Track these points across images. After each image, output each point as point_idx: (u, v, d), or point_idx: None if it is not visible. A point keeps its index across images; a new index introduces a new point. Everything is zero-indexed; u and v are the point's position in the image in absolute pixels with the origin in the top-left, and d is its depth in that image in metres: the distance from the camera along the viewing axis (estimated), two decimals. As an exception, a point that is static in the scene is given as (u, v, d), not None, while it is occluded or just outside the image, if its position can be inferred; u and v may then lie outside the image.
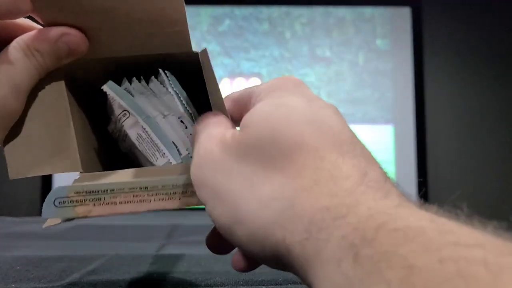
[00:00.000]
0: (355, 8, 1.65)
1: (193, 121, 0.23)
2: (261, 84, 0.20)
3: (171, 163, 0.22)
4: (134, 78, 0.24)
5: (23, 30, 0.21)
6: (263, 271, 0.36)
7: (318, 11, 1.65)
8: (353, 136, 0.17)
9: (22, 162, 0.21)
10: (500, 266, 0.10)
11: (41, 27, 0.21)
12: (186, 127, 0.23)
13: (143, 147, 0.23)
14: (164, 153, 0.22)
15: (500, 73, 1.61)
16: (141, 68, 0.24)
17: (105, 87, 0.23)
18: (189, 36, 0.22)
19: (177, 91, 0.24)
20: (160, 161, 0.22)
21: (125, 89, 0.24)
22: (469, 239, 0.11)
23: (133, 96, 0.23)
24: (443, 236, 0.11)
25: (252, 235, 0.16)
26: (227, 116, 0.21)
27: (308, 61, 1.64)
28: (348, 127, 0.18)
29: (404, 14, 1.64)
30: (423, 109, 1.60)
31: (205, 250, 0.42)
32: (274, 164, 0.16)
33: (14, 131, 0.21)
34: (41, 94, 0.22)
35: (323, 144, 0.16)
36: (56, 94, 0.22)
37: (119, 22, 0.21)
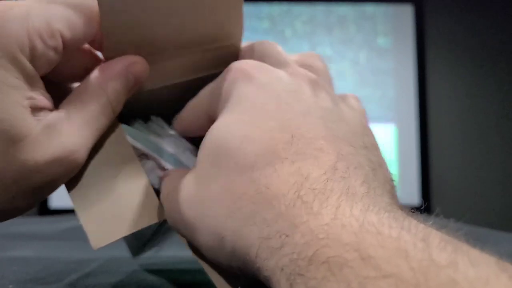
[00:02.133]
0: (356, 6, 1.64)
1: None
2: (217, 87, 0.19)
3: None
4: (137, 119, 0.22)
5: (82, 52, 0.20)
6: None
7: (319, 9, 1.65)
8: (298, 127, 0.16)
9: (102, 227, 0.18)
10: None
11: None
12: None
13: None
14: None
15: (504, 71, 1.60)
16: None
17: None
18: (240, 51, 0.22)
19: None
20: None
21: (137, 127, 0.22)
22: (389, 267, 0.11)
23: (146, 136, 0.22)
24: (365, 266, 0.11)
25: (233, 251, 0.15)
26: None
27: (309, 60, 1.63)
28: (302, 112, 0.16)
29: (406, 12, 1.63)
30: (425, 107, 1.60)
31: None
32: (225, 189, 0.16)
33: (84, 191, 0.18)
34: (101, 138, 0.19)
35: (258, 159, 0.15)
36: (115, 135, 0.20)
37: (173, 44, 0.20)
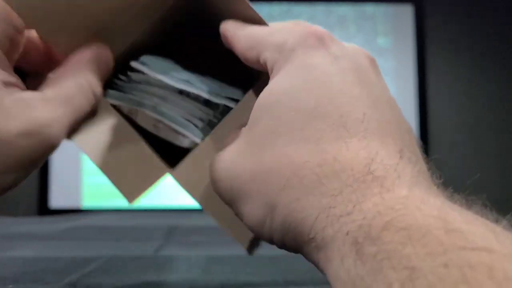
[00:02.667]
0: (356, 6, 1.64)
1: (190, 84, 0.23)
2: (271, 36, 0.18)
3: (195, 142, 0.22)
4: (115, 80, 0.23)
5: (34, 44, 0.20)
6: (263, 271, 0.36)
7: (319, 9, 1.65)
8: (369, 107, 0.16)
9: (129, 183, 0.21)
10: (506, 274, 0.10)
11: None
12: (188, 94, 0.22)
13: (164, 134, 0.22)
14: (184, 134, 0.22)
15: (504, 70, 1.60)
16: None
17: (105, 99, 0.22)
18: None
19: (161, 68, 0.23)
20: (185, 142, 0.22)
21: (119, 89, 0.23)
22: (478, 240, 0.11)
23: (125, 93, 0.23)
24: (450, 236, 0.11)
25: (282, 222, 0.15)
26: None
27: (309, 60, 1.63)
28: (370, 94, 0.16)
29: (406, 12, 1.63)
30: (425, 107, 1.60)
31: (204, 251, 0.41)
32: (286, 157, 0.16)
33: (105, 159, 0.21)
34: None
35: (328, 133, 0.15)
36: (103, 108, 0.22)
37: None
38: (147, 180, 0.21)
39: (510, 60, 1.60)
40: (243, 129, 0.18)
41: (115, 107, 0.22)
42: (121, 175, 0.21)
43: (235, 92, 0.22)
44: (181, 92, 0.22)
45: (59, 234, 0.60)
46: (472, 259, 0.10)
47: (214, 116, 0.22)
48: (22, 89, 0.18)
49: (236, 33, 0.20)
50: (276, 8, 1.64)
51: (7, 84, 0.17)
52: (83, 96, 0.19)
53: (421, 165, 0.15)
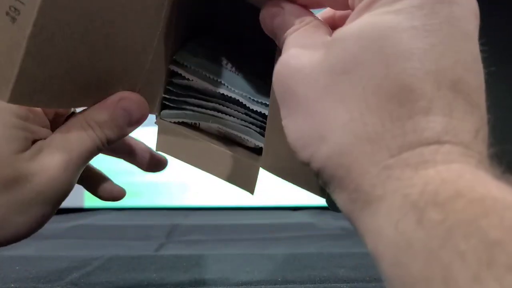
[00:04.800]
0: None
1: (228, 87, 0.23)
2: None
3: (258, 145, 0.23)
4: (163, 95, 0.23)
5: None
6: (262, 270, 0.36)
7: (317, 13, 1.64)
8: (466, 71, 0.14)
9: (242, 180, 0.23)
10: None
11: None
12: (230, 98, 0.22)
13: (229, 137, 0.23)
14: (247, 139, 0.23)
15: (500, 75, 1.60)
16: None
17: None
18: None
19: (196, 66, 0.22)
20: (250, 144, 0.23)
21: (170, 107, 0.24)
22: None
23: (178, 109, 0.23)
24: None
25: (327, 157, 0.15)
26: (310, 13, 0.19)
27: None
28: (468, 59, 0.15)
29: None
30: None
31: (204, 250, 0.42)
32: (362, 94, 0.14)
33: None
34: None
35: (417, 88, 0.14)
36: None
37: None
38: (251, 175, 0.23)
39: (507, 64, 1.60)
40: (326, 44, 0.16)
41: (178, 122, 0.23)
42: (233, 178, 0.23)
43: (267, 97, 0.22)
44: (223, 95, 0.22)
45: (61, 233, 0.60)
46: None
47: (262, 121, 0.23)
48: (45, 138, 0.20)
49: None
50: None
51: (36, 137, 0.20)
52: (89, 142, 0.20)
53: (490, 149, 0.15)
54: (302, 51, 0.17)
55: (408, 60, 0.14)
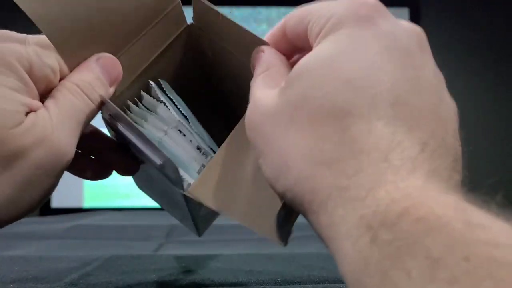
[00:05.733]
0: (354, 8, 1.64)
1: (189, 122, 0.24)
2: (320, 9, 0.18)
3: (189, 183, 0.22)
4: (130, 104, 0.24)
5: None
6: (262, 270, 0.36)
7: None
8: (405, 91, 0.15)
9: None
10: None
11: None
12: (185, 135, 0.24)
13: (167, 171, 0.23)
14: (183, 177, 0.22)
15: (500, 73, 1.61)
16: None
17: (120, 126, 0.23)
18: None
19: (171, 97, 0.24)
20: (184, 185, 0.22)
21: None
22: (501, 237, 0.10)
23: (136, 122, 0.23)
24: (471, 230, 0.11)
25: (295, 185, 0.15)
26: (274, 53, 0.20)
27: (308, 61, 1.64)
28: (410, 77, 0.15)
29: (402, 15, 1.64)
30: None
31: (203, 250, 0.42)
32: (314, 125, 0.15)
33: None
34: None
35: (356, 109, 0.14)
36: None
37: (123, 33, 0.22)
38: None
39: (507, 62, 1.61)
40: (281, 87, 0.17)
41: None
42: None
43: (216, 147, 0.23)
44: (180, 130, 0.23)
45: (60, 233, 0.60)
46: (497, 255, 0.10)
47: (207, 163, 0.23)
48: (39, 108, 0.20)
49: (288, 16, 0.20)
50: (274, 11, 1.64)
51: (28, 112, 0.19)
52: (77, 99, 0.20)
53: (447, 160, 0.15)
54: (266, 94, 0.18)
55: (347, 85, 0.15)
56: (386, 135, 0.14)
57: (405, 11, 1.64)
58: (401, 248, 0.11)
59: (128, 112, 0.24)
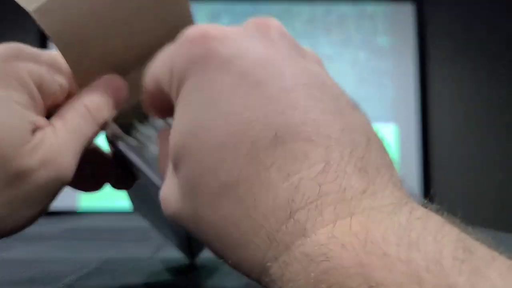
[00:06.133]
0: (356, 5, 1.64)
1: None
2: (159, 61, 0.16)
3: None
4: (136, 123, 0.25)
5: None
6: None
7: (318, 8, 1.64)
8: (276, 121, 0.12)
9: None
10: None
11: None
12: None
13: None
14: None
15: (505, 69, 1.60)
16: None
17: (121, 145, 0.23)
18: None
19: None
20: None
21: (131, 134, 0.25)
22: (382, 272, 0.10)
23: (140, 142, 0.24)
24: (351, 279, 0.10)
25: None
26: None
27: (309, 59, 1.63)
28: (275, 107, 0.13)
29: (406, 11, 1.63)
30: (425, 107, 1.59)
31: (202, 253, 0.41)
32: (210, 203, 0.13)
33: None
34: None
35: (240, 178, 0.12)
36: None
37: (135, 57, 0.22)
38: None
39: (511, 59, 1.60)
40: (169, 168, 0.16)
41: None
42: None
43: None
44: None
45: (57, 235, 0.60)
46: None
47: None
48: (45, 126, 0.20)
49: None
50: (275, 7, 1.63)
51: (35, 129, 0.19)
52: (87, 124, 0.21)
53: (358, 157, 0.12)
54: (164, 189, 0.16)
55: (220, 150, 0.13)
56: (281, 184, 0.12)
57: (409, 6, 1.63)
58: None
59: (134, 131, 0.25)
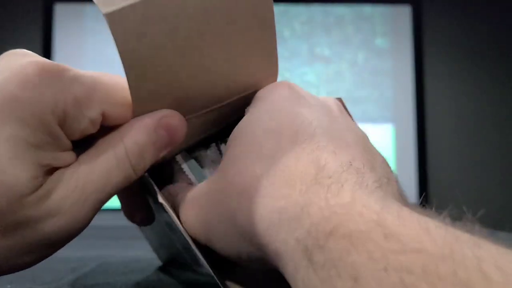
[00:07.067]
0: (354, 6, 1.64)
1: None
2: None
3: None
4: (213, 144, 0.22)
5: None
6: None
7: (317, 10, 1.65)
8: (322, 127, 0.17)
9: None
10: (439, 274, 0.10)
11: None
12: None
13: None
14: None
15: (501, 71, 1.60)
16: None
17: (177, 156, 0.21)
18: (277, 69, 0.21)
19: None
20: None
21: (196, 158, 0.22)
22: (411, 242, 0.11)
23: (202, 167, 0.22)
24: (388, 241, 0.11)
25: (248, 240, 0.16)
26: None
27: (307, 60, 1.64)
28: (326, 116, 0.18)
29: (404, 13, 1.64)
30: (423, 108, 1.60)
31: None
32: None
33: None
34: None
35: (280, 149, 0.16)
36: None
37: (205, 100, 0.20)
38: None
39: (508, 60, 1.61)
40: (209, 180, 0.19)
41: None
42: None
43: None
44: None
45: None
46: (406, 262, 0.10)
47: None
48: (68, 165, 0.17)
49: None
50: (274, 8, 1.64)
51: (52, 169, 0.17)
52: (118, 170, 0.17)
53: (372, 174, 0.15)
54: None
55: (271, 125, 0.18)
56: (312, 161, 0.15)
57: (407, 8, 1.64)
58: (331, 269, 0.11)
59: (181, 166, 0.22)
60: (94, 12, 1.67)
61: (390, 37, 1.64)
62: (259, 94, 0.20)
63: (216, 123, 0.22)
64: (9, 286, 0.31)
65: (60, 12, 1.68)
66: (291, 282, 0.13)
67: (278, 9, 1.64)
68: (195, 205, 0.19)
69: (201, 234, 0.18)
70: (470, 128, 1.60)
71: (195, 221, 0.18)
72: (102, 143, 0.17)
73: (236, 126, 0.18)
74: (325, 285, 0.11)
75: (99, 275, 0.35)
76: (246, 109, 0.19)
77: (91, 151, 0.17)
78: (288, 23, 1.64)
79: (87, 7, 1.68)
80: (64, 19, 1.68)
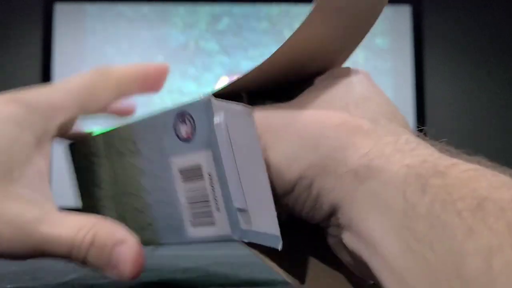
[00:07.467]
0: (354, 6, 1.64)
1: None
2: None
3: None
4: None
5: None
6: (263, 271, 0.36)
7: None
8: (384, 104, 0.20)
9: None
10: None
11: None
12: None
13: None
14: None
15: (501, 71, 1.60)
16: None
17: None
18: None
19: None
20: None
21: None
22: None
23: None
24: (497, 178, 0.13)
25: (327, 148, 0.17)
26: None
27: (308, 60, 1.64)
28: (381, 94, 0.21)
29: (404, 13, 1.64)
30: (423, 107, 1.60)
31: (201, 251, 0.42)
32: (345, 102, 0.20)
33: None
34: None
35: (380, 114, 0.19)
36: None
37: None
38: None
39: (508, 60, 1.61)
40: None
41: None
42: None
43: None
44: None
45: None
46: None
47: None
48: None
49: None
50: (274, 8, 1.64)
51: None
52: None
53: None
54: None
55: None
56: (391, 132, 0.17)
57: (406, 8, 1.64)
58: (452, 193, 0.12)
59: None
60: (94, 12, 1.67)
61: (390, 37, 1.64)
62: (337, 71, 0.22)
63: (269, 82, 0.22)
64: (9, 286, 0.31)
65: (60, 12, 1.68)
66: (380, 207, 0.14)
67: (279, 8, 1.64)
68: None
69: (268, 139, 0.18)
70: (470, 128, 1.60)
71: (267, 124, 0.18)
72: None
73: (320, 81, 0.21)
74: (442, 206, 0.12)
75: (100, 274, 0.34)
76: (316, 78, 0.21)
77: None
78: (289, 23, 1.64)
79: (87, 7, 1.68)
80: (64, 19, 1.68)
